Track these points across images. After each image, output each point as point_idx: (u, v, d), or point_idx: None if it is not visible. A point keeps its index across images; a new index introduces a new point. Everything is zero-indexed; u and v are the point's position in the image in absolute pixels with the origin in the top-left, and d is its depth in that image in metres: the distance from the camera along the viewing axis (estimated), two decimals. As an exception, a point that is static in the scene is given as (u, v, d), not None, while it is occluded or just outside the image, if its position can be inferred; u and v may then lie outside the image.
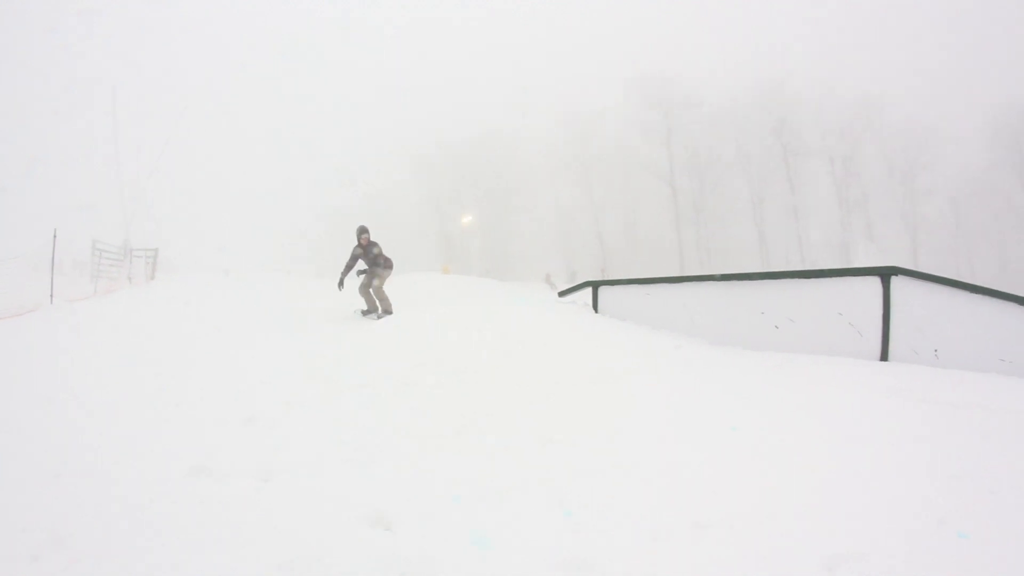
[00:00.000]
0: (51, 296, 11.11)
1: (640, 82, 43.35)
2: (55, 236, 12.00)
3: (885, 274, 6.75)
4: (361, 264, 10.65)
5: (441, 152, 47.24)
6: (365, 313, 10.76)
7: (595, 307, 8.57)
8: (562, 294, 9.67)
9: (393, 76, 59.91)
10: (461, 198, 47.26)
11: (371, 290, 10.55)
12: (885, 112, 41.13)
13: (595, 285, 8.54)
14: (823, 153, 41.74)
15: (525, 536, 2.77)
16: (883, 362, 6.61)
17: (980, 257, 39.20)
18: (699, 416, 4.51)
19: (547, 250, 44.49)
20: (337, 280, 10.88)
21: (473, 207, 46.80)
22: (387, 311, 10.31)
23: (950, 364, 6.48)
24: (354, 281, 10.82)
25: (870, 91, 40.89)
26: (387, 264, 10.65)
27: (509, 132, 46.53)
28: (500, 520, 2.92)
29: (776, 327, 7.15)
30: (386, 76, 60.40)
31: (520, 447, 3.91)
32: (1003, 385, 5.69)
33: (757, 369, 6.04)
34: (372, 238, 10.80)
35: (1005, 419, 4.60)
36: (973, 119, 39.60)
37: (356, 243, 10.81)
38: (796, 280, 7.19)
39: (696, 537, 2.77)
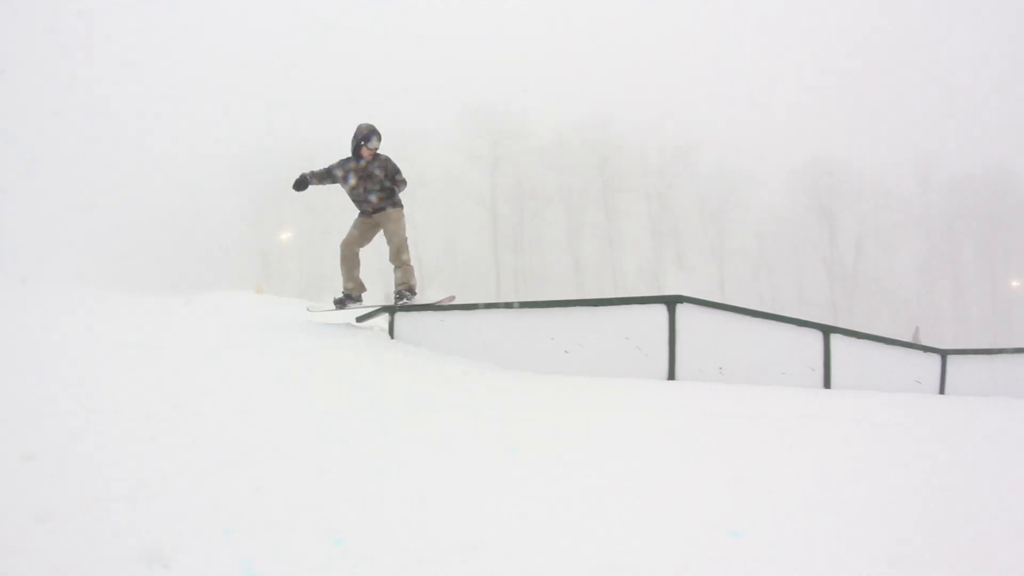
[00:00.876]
0: None
1: (472, 111, 44.09)
2: None
3: (670, 302, 7.14)
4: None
5: (262, 161, 44.02)
6: (342, 303, 7.75)
7: (391, 333, 8.27)
8: (360, 319, 9.07)
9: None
10: (282, 213, 44.63)
11: (358, 252, 7.49)
12: (701, 157, 45.18)
13: (392, 311, 8.27)
14: (641, 190, 44.96)
15: (307, 569, 2.62)
16: (670, 381, 7.01)
17: (781, 285, 43.99)
18: (476, 440, 4.42)
19: (365, 271, 42.38)
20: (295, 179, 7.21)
21: (293, 223, 44.55)
22: (410, 288, 7.40)
23: (735, 380, 7.02)
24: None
25: (689, 138, 44.68)
26: (396, 202, 7.28)
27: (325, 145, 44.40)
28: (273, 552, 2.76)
29: (566, 352, 7.29)
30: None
31: (295, 476, 3.68)
32: (781, 395, 6.42)
33: (540, 391, 6.13)
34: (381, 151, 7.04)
35: (781, 426, 5.09)
36: (779, 167, 45.12)
37: (349, 156, 7.02)
38: (586, 308, 7.43)
39: (466, 558, 2.73)
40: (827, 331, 7.51)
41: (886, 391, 7.60)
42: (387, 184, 7.06)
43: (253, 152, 44.79)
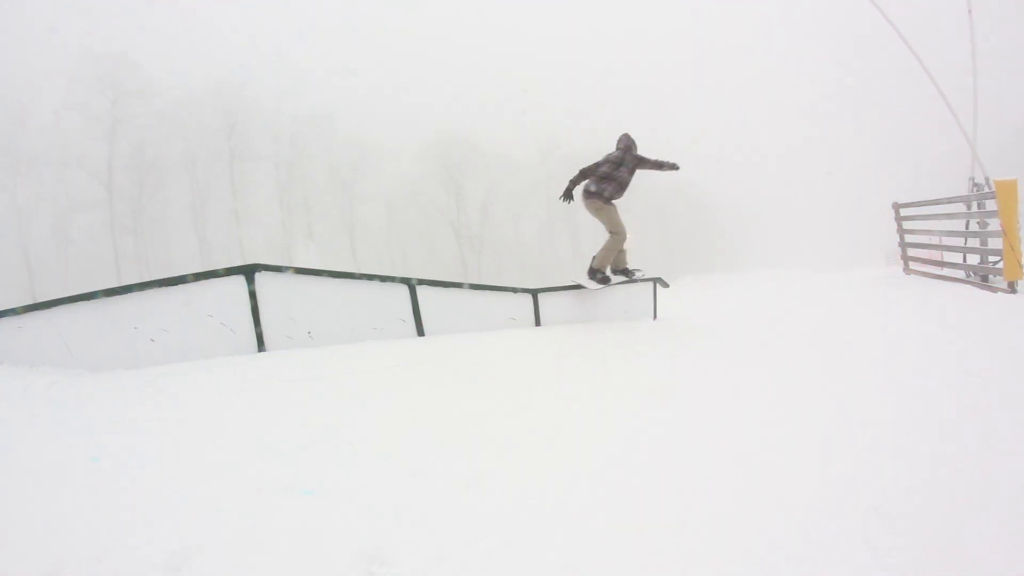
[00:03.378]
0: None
1: (94, 60, 37.47)
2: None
3: (248, 272, 7.03)
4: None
5: None
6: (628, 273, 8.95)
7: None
8: None
9: None
10: None
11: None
12: (335, 125, 44.37)
13: None
14: (271, 159, 42.57)
15: None
16: (260, 353, 6.96)
17: (413, 250, 45.73)
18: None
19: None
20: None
21: None
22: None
23: (327, 342, 7.21)
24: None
25: (327, 105, 43.91)
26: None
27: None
28: None
29: (152, 340, 6.88)
30: None
31: None
32: (367, 350, 6.72)
33: (123, 390, 5.59)
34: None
35: (355, 379, 5.53)
36: (412, 138, 46.09)
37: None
38: (163, 288, 6.96)
39: None
40: (412, 284, 7.90)
41: (481, 331, 8.22)
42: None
43: None
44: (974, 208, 11.74)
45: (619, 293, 9.37)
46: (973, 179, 12.21)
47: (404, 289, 7.87)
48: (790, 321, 8.80)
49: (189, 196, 39.98)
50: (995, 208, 10.38)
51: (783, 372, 5.39)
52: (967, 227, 12.04)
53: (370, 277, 7.76)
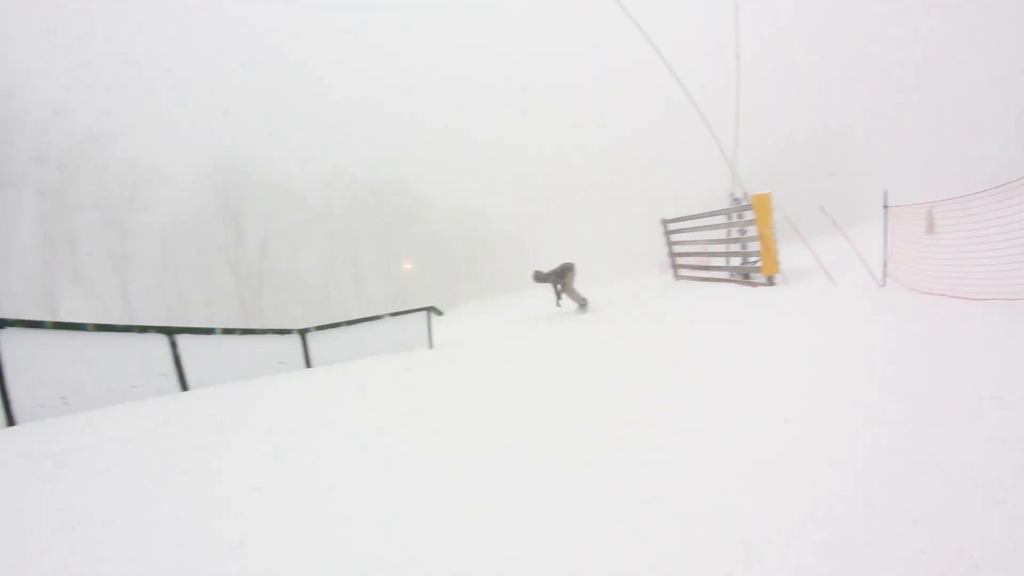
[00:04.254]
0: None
1: None
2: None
3: None
4: None
5: None
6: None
7: None
8: None
9: None
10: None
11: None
12: (110, 149, 39.75)
13: None
14: (34, 185, 36.73)
15: None
16: (11, 427, 5.95)
17: (188, 290, 42.20)
18: None
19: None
20: None
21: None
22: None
23: (84, 406, 6.41)
24: None
25: (100, 126, 39.14)
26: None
27: None
28: None
29: None
30: None
31: None
32: (130, 412, 6.10)
33: None
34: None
35: (114, 447, 4.96)
36: (189, 167, 42.81)
37: None
38: None
39: None
40: (171, 332, 7.26)
41: (250, 378, 7.77)
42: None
43: None
44: (734, 218, 12.99)
45: (393, 325, 9.51)
46: (732, 194, 13.52)
47: (163, 339, 7.22)
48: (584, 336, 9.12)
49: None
50: (752, 217, 11.73)
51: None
52: (728, 235, 13.33)
53: (125, 328, 7.02)
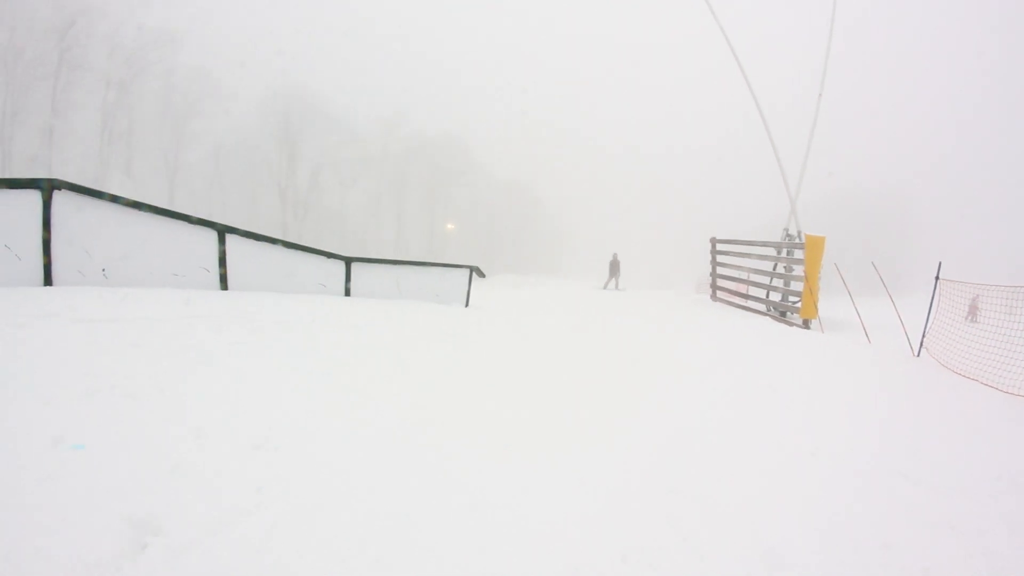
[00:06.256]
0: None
1: None
2: None
3: (46, 188, 6.01)
4: None
5: None
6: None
7: None
8: None
9: None
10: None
11: None
12: (179, 53, 39.10)
13: None
14: (102, 74, 35.98)
15: None
16: (47, 287, 5.95)
17: (234, 206, 42.46)
18: None
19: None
20: None
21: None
22: None
23: (120, 282, 6.42)
24: None
25: (178, 26, 38.70)
26: None
27: None
28: None
29: None
30: None
31: None
32: (168, 297, 5.98)
33: None
34: None
35: (147, 327, 4.88)
36: (253, 86, 42.89)
37: None
38: None
39: None
40: (222, 230, 7.26)
41: (289, 293, 7.72)
42: None
43: None
44: (783, 254, 12.91)
45: (436, 275, 9.50)
46: (787, 230, 13.42)
47: (212, 235, 7.20)
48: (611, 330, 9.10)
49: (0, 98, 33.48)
50: (802, 256, 11.62)
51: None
52: (774, 268, 13.25)
53: (175, 215, 6.98)
